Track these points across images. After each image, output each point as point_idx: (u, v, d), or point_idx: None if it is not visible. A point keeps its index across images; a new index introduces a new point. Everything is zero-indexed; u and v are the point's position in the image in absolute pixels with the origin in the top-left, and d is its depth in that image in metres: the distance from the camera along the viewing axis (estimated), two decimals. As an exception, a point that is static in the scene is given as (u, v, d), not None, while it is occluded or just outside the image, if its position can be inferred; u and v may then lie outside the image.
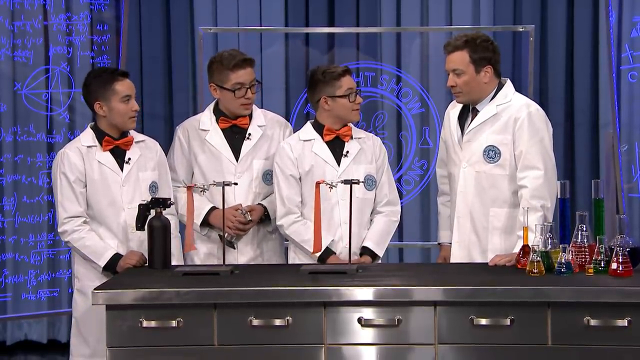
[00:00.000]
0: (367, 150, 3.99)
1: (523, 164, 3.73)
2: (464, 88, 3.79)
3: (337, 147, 3.95)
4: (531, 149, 3.72)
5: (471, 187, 3.82)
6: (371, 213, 4.00)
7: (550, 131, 3.82)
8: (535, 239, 3.46)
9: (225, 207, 3.85)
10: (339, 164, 3.93)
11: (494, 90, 3.82)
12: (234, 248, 4.00)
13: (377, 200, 4.00)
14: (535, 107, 3.82)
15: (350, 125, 4.00)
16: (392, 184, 4.06)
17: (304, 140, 3.96)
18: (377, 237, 3.95)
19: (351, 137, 3.96)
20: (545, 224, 3.45)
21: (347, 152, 3.94)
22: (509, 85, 3.87)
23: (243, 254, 4.01)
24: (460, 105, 3.92)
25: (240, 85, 3.95)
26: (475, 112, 3.84)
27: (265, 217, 4.03)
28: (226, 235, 3.91)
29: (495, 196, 3.79)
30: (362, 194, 3.91)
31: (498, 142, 3.77)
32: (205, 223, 4.00)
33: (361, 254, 3.92)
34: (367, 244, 3.92)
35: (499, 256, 3.64)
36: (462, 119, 3.90)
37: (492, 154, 3.78)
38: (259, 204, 4.02)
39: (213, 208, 3.99)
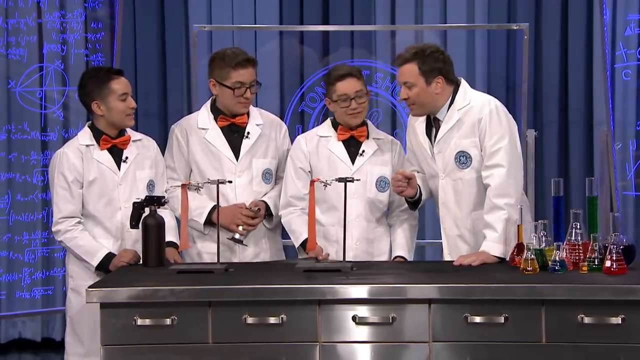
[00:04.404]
0: (384, 152, 3.97)
1: (487, 163, 3.68)
2: (417, 100, 3.73)
3: (352, 146, 3.94)
4: (494, 147, 3.67)
5: (451, 197, 3.79)
6: (388, 216, 4.00)
7: (514, 126, 3.76)
8: (497, 238, 3.54)
9: (226, 205, 3.90)
10: (353, 163, 3.92)
11: (450, 96, 3.76)
12: (245, 244, 3.97)
13: (397, 204, 3.99)
14: (494, 103, 3.74)
15: (369, 123, 4.00)
16: None
17: (321, 136, 3.97)
18: (407, 243, 3.95)
19: (367, 137, 3.95)
20: (533, 223, 3.44)
21: (363, 151, 3.93)
22: (464, 86, 3.80)
23: (245, 251, 3.99)
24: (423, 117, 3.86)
25: (241, 84, 3.92)
26: (438, 121, 3.79)
27: (267, 214, 4.01)
28: (235, 234, 3.91)
29: (476, 200, 3.74)
30: (373, 195, 3.91)
31: (467, 147, 3.73)
32: (208, 222, 3.97)
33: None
34: (400, 253, 3.92)
35: (462, 257, 3.62)
36: (428, 130, 3.84)
37: (463, 159, 3.73)
38: (261, 200, 4.01)
39: (215, 207, 3.92)
